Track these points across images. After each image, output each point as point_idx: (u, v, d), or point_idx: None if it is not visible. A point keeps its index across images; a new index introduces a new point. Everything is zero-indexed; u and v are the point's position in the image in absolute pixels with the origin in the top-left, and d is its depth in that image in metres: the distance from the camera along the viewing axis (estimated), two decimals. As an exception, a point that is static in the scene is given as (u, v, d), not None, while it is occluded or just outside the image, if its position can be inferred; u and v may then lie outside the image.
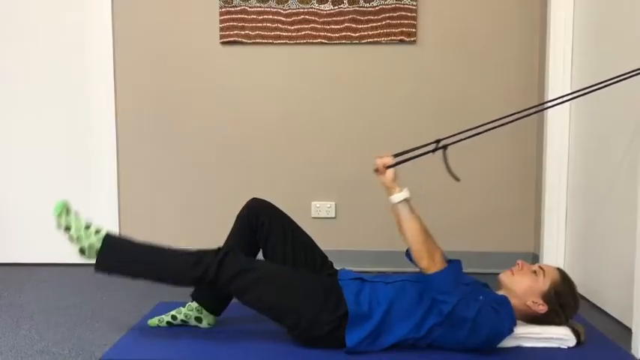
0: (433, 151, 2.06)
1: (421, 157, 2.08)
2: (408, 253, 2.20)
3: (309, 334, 2.00)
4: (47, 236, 3.29)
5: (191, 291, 2.31)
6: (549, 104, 2.43)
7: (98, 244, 2.05)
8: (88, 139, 3.25)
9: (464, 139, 2.10)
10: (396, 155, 2.11)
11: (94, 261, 2.06)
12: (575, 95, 2.25)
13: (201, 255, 2.06)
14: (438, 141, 2.10)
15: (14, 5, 3.20)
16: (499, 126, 2.15)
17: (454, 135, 2.11)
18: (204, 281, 2.04)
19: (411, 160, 2.10)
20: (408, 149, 2.12)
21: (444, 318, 1.92)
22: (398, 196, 1.98)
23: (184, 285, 2.09)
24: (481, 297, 1.98)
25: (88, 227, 2.07)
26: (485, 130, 2.14)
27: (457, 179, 2.04)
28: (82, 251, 2.06)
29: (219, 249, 2.09)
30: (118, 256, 2.06)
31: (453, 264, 1.97)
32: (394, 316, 1.98)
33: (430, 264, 1.92)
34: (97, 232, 2.08)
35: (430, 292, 1.95)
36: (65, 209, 2.08)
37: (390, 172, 2.00)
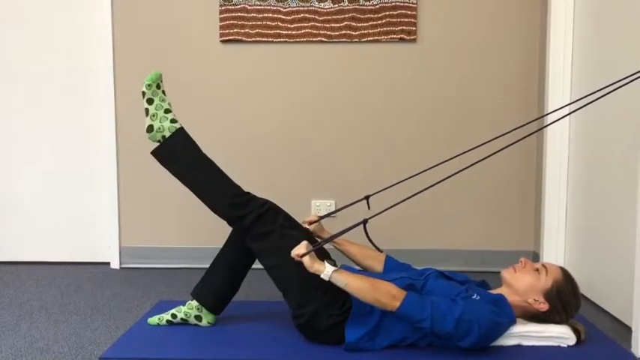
0: (352, 227, 2.01)
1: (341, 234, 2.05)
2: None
3: (312, 323, 2.00)
4: (47, 235, 3.31)
5: (191, 290, 2.31)
6: (549, 120, 2.42)
7: (167, 133, 2.05)
8: (88, 137, 3.26)
9: (387, 208, 2.07)
10: (313, 221, 2.23)
11: (156, 144, 2.06)
12: (576, 108, 2.24)
13: (247, 199, 2.07)
14: (367, 197, 2.23)
15: (14, 4, 3.20)
16: (504, 148, 2.14)
17: (382, 190, 2.22)
18: (238, 224, 2.05)
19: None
20: (328, 213, 2.32)
21: (430, 334, 1.93)
22: (326, 274, 1.92)
23: (218, 214, 2.08)
24: (476, 296, 1.98)
25: (168, 111, 2.06)
26: (491, 154, 2.12)
27: (380, 251, 2.18)
28: (150, 129, 2.05)
29: (266, 201, 2.09)
30: (178, 154, 2.06)
31: (405, 299, 1.91)
32: (392, 315, 1.98)
33: (393, 303, 1.90)
34: (174, 121, 2.07)
35: (409, 324, 1.95)
36: (157, 82, 2.07)
37: (306, 259, 1.93)
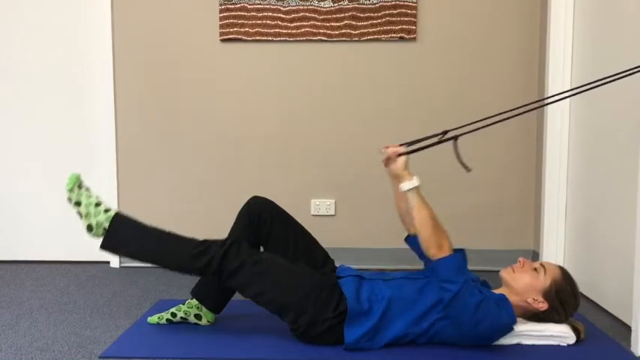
0: (443, 141, 2.07)
1: (424, 149, 2.08)
2: (409, 239, 2.21)
3: (309, 331, 2.00)
4: (47, 233, 3.31)
5: (190, 288, 2.31)
6: (554, 98, 2.42)
7: (106, 223, 2.04)
8: (87, 137, 3.25)
9: (472, 130, 2.11)
10: (402, 145, 2.12)
11: (100, 239, 2.05)
12: (580, 90, 2.25)
13: (207, 245, 2.05)
14: (444, 132, 2.11)
15: (14, 3, 3.20)
16: (508, 118, 2.15)
17: (462, 126, 2.12)
18: (207, 272, 2.03)
19: (416, 153, 2.09)
20: (416, 139, 2.13)
21: (446, 308, 1.92)
22: (409, 183, 1.99)
23: (188, 273, 2.07)
24: (484, 292, 1.99)
25: (98, 205, 2.05)
26: (493, 123, 2.14)
27: (468, 170, 2.05)
28: (89, 228, 2.05)
29: (225, 240, 2.07)
30: (124, 237, 2.04)
31: (459, 252, 1.98)
32: (393, 313, 1.99)
33: (437, 251, 1.94)
34: (107, 210, 2.06)
35: (435, 279, 1.95)
36: (77, 184, 2.06)
37: (402, 159, 2.02)
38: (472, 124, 2.14)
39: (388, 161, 2.08)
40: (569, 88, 2.82)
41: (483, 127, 2.13)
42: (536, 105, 2.28)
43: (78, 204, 2.05)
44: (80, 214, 2.05)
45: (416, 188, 2.00)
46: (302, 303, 1.99)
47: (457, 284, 1.90)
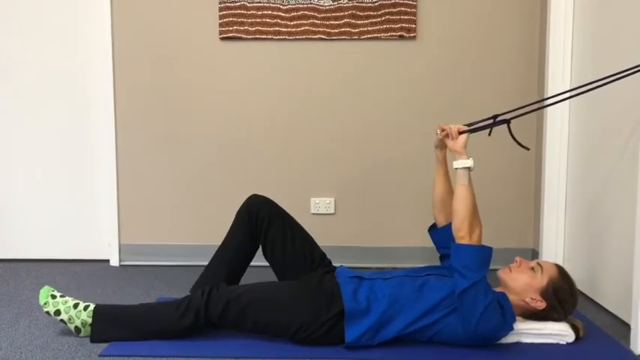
0: (498, 123, 2.16)
1: (481, 130, 2.16)
2: (432, 231, 2.27)
3: (310, 337, 2.01)
4: (47, 232, 3.31)
5: (190, 287, 2.32)
6: (553, 100, 2.43)
7: (89, 319, 2.07)
8: (87, 136, 3.25)
9: (523, 113, 2.20)
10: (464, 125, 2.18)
11: (89, 336, 2.07)
12: (580, 91, 2.25)
13: (188, 301, 2.05)
14: (495, 116, 2.20)
15: (14, 4, 3.19)
16: (556, 102, 2.17)
17: (514, 109, 2.22)
18: (198, 324, 2.04)
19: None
20: (472, 122, 2.20)
21: (460, 294, 1.92)
22: (466, 162, 2.04)
23: (182, 334, 2.06)
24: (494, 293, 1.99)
25: (76, 306, 2.09)
26: (550, 104, 2.26)
27: (527, 149, 2.19)
28: (77, 330, 2.09)
29: (203, 290, 2.06)
30: (111, 326, 2.06)
31: (487, 247, 1.99)
32: (394, 311, 1.99)
33: (467, 235, 1.96)
34: (86, 307, 2.09)
35: (454, 264, 1.95)
36: (50, 295, 2.10)
37: (463, 137, 2.07)
38: (526, 107, 2.27)
39: (443, 141, 2.15)
40: (568, 86, 2.83)
41: (534, 110, 2.26)
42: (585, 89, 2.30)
43: (58, 313, 2.08)
44: (64, 321, 2.08)
45: (469, 169, 2.04)
46: (296, 317, 2.00)
47: (478, 275, 1.91)
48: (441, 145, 2.24)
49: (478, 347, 1.99)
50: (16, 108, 3.25)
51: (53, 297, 2.10)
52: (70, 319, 2.07)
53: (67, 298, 2.11)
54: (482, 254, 1.96)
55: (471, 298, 1.91)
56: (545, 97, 2.89)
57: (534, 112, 3.01)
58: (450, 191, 2.26)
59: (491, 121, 2.18)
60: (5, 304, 2.53)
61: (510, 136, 2.15)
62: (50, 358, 1.95)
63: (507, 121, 2.13)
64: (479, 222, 2.01)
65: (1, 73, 3.24)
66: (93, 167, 3.26)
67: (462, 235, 1.97)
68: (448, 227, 2.19)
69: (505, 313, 1.96)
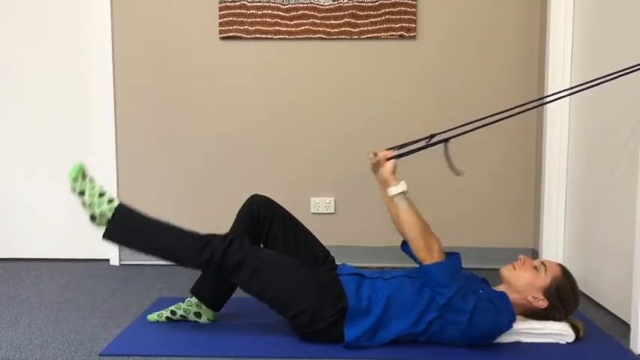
0: (434, 144, 2.05)
1: (414, 153, 2.08)
2: (404, 246, 2.21)
3: (310, 328, 2.00)
4: (47, 231, 3.31)
5: (190, 286, 2.32)
6: (549, 99, 2.43)
7: (109, 214, 2.03)
8: (87, 135, 3.25)
9: (461, 133, 2.09)
10: (390, 149, 2.11)
11: (103, 229, 2.04)
12: (575, 90, 2.25)
13: (208, 240, 2.04)
14: (432, 135, 2.11)
15: (14, 4, 3.19)
16: (498, 120, 2.16)
17: (451, 129, 2.11)
18: (208, 267, 2.03)
19: (409, 155, 2.10)
20: (404, 143, 2.13)
21: (440, 310, 1.92)
22: (396, 188, 1.99)
23: (189, 267, 2.07)
24: (480, 291, 1.99)
25: (102, 195, 2.05)
26: (483, 125, 2.15)
27: (459, 174, 2.04)
28: (92, 218, 2.04)
29: (226, 235, 2.07)
30: (127, 228, 2.04)
31: (452, 257, 1.98)
32: (393, 311, 1.99)
33: (427, 256, 1.94)
34: (111, 201, 2.05)
35: (427, 284, 1.95)
36: (81, 173, 2.05)
37: (389, 163, 2.01)
38: (466, 125, 2.14)
39: (377, 166, 2.07)
40: (569, 84, 2.82)
41: (474, 129, 2.13)
42: (530, 106, 2.28)
43: (82, 193, 2.04)
44: (84, 203, 2.04)
45: (403, 193, 1.99)
46: (303, 300, 1.99)
47: (451, 289, 1.90)
48: (375, 169, 2.17)
49: (478, 347, 1.99)
50: (16, 108, 3.25)
51: (84, 176, 2.06)
52: (91, 204, 2.03)
53: (96, 183, 2.07)
54: (449, 267, 1.94)
55: (452, 311, 1.91)
56: (545, 94, 2.89)
57: (535, 112, 3.01)
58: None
59: (425, 142, 2.09)
60: (5, 304, 2.53)
61: (445, 157, 2.04)
62: (50, 358, 1.95)
63: (446, 140, 2.04)
64: (434, 238, 1.97)
65: (2, 73, 3.24)
66: (93, 167, 3.23)
67: (422, 257, 1.95)
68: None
69: (502, 311, 1.96)
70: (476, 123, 2.13)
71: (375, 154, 2.10)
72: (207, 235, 2.07)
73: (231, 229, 2.34)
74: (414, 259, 2.21)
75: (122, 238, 2.04)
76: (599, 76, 2.18)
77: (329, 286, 2.03)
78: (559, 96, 2.33)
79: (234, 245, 2.02)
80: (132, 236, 2.04)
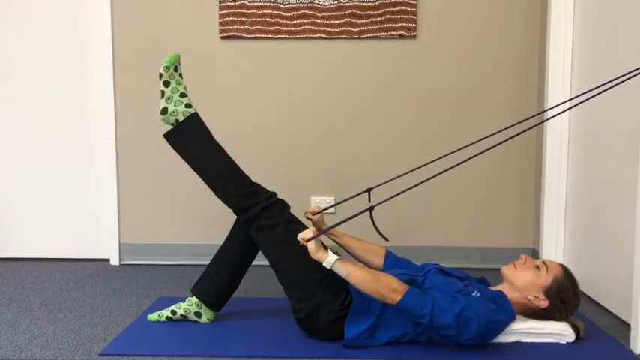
0: (360, 213, 2.02)
1: (342, 223, 2.03)
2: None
3: (311, 318, 2.00)
4: (47, 231, 3.31)
5: (190, 286, 2.32)
6: (549, 113, 2.43)
7: (181, 117, 2.04)
8: (87, 135, 3.25)
9: (389, 198, 2.05)
10: (316, 214, 2.16)
11: (168, 126, 2.04)
12: (576, 103, 2.25)
13: (255, 190, 2.06)
14: (369, 190, 2.19)
15: (14, 4, 3.19)
16: (489, 148, 2.15)
17: (384, 182, 2.20)
18: (244, 215, 2.04)
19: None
20: (331, 205, 2.25)
21: (428, 328, 1.94)
22: (327, 263, 1.93)
23: (226, 203, 2.07)
24: (476, 292, 1.99)
25: (183, 95, 2.05)
26: (464, 160, 2.14)
27: (386, 239, 2.10)
28: (164, 111, 2.04)
29: (273, 194, 2.09)
30: (190, 139, 2.04)
31: (407, 292, 1.91)
32: (391, 312, 1.98)
33: (394, 296, 1.90)
34: (188, 105, 2.05)
35: (408, 318, 1.95)
36: (175, 65, 2.05)
37: (310, 245, 1.94)
38: (396, 178, 2.20)
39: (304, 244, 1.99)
40: (569, 86, 2.82)
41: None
42: (530, 125, 2.27)
43: (167, 84, 2.03)
44: (163, 93, 2.03)
45: (337, 261, 1.94)
46: (314, 286, 1.99)
47: (425, 317, 1.89)
48: (317, 226, 2.17)
49: (478, 346, 1.99)
50: (16, 108, 3.25)
51: (176, 69, 2.06)
52: (169, 98, 2.04)
53: (183, 81, 2.08)
54: (412, 298, 1.90)
55: (437, 327, 1.91)
56: (545, 96, 2.89)
57: (534, 111, 3.01)
58: (362, 248, 2.30)
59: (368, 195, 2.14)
60: (5, 303, 2.53)
61: (372, 223, 2.06)
62: (50, 357, 1.95)
63: (371, 209, 2.04)
64: (384, 280, 1.91)
65: (2, 73, 3.23)
66: (93, 166, 3.26)
67: (390, 300, 1.91)
68: (389, 259, 2.27)
69: (499, 310, 1.96)
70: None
71: (308, 217, 2.15)
72: (257, 185, 2.09)
73: (231, 230, 2.34)
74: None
75: (182, 144, 2.03)
76: (599, 78, 2.17)
77: (339, 283, 2.03)
78: (560, 110, 2.33)
79: (276, 207, 2.04)
80: (190, 149, 2.03)
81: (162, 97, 2.04)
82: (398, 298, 1.89)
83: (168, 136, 2.07)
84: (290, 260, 2.02)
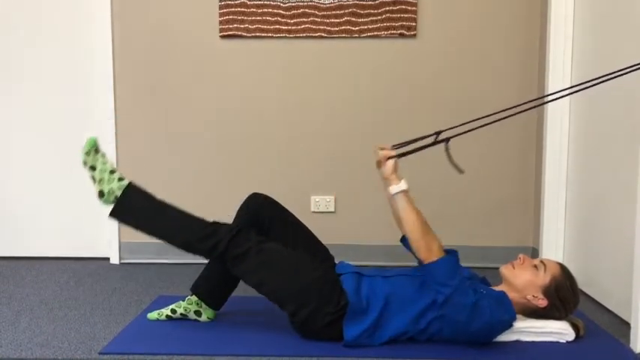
0: (434, 143, 2.06)
1: (417, 152, 2.08)
2: (403, 240, 2.21)
3: (309, 324, 2.00)
4: (47, 230, 3.31)
5: (190, 285, 2.32)
6: (552, 97, 2.42)
7: (118, 192, 2.03)
8: (87, 134, 3.23)
9: (466, 131, 2.09)
10: (395, 146, 2.12)
11: (110, 207, 2.04)
12: (577, 89, 2.24)
13: (215, 228, 2.04)
14: (438, 133, 2.11)
15: (14, 4, 3.19)
16: (501, 119, 2.16)
17: (455, 127, 2.11)
18: (213, 254, 2.03)
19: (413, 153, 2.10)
20: (409, 140, 2.13)
21: (441, 308, 1.92)
22: (396, 187, 1.99)
23: (194, 253, 2.06)
24: (483, 291, 1.99)
25: (112, 172, 2.05)
26: (487, 124, 2.15)
27: (461, 171, 2.04)
28: (101, 194, 2.04)
29: (233, 225, 2.07)
30: (134, 208, 2.04)
31: (450, 254, 1.98)
32: (392, 310, 1.99)
33: (428, 255, 1.95)
34: (121, 179, 2.05)
35: (428, 282, 1.96)
36: (94, 148, 2.06)
37: (390, 163, 2.01)
38: (466, 124, 2.14)
39: (379, 164, 2.08)
40: (569, 80, 2.82)
41: (479, 127, 2.13)
42: (533, 104, 2.27)
43: (93, 168, 2.04)
44: (94, 179, 2.04)
45: (403, 192, 1.99)
46: (304, 295, 1.99)
47: (450, 287, 1.90)
48: (379, 165, 2.16)
49: (478, 345, 1.99)
50: (16, 107, 3.25)
51: (97, 151, 2.06)
52: (101, 180, 2.03)
53: (107, 160, 2.07)
54: (448, 265, 1.95)
55: (451, 306, 1.92)
56: (545, 93, 2.89)
57: (535, 110, 3.01)
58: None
59: (432, 139, 2.09)
60: (6, 302, 2.53)
61: (447, 156, 2.04)
62: (50, 356, 1.95)
63: (446, 140, 2.04)
64: (433, 237, 1.97)
65: (2, 73, 3.23)
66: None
67: (422, 256, 1.96)
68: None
69: (502, 310, 1.96)
70: (480, 120, 2.13)
71: (382, 149, 2.10)
72: (215, 223, 2.07)
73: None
74: (412, 252, 2.22)
75: (128, 218, 2.03)
76: (599, 74, 2.17)
77: (331, 284, 2.03)
78: (564, 94, 2.33)
79: (240, 235, 2.03)
80: (138, 217, 2.03)
81: (94, 182, 2.04)
82: (434, 258, 1.92)
83: (113, 214, 2.05)
84: (272, 280, 2.02)
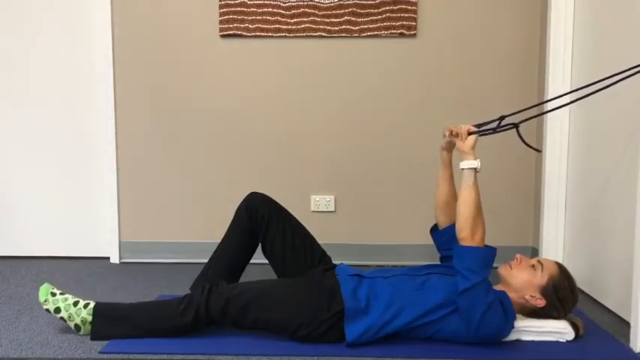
0: (503, 128, 2.17)
1: (489, 134, 2.16)
2: (434, 232, 2.28)
3: (310, 335, 2.00)
4: (47, 229, 3.31)
5: (190, 284, 2.32)
6: (549, 109, 2.42)
7: (90, 317, 2.06)
8: (87, 134, 3.25)
9: (534, 116, 2.20)
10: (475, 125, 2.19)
11: (89, 334, 2.07)
12: (575, 99, 2.25)
13: (187, 300, 2.05)
14: (502, 117, 2.21)
15: (14, 5, 3.19)
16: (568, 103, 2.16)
17: (521, 111, 2.24)
18: (199, 322, 2.04)
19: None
20: (479, 123, 2.20)
21: (460, 294, 1.92)
22: (472, 162, 2.04)
23: (182, 332, 2.06)
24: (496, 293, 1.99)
25: (76, 304, 2.08)
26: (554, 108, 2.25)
27: (538, 151, 2.26)
28: (77, 328, 2.08)
29: (204, 286, 2.06)
30: (111, 323, 2.06)
31: (489, 248, 1.99)
32: (394, 309, 1.98)
33: (468, 237, 1.97)
34: (86, 305, 2.08)
35: (456, 265, 1.97)
36: (50, 293, 2.09)
37: (472, 137, 2.08)
38: (529, 109, 2.27)
39: (450, 144, 2.19)
40: (569, 82, 2.82)
41: (542, 113, 2.24)
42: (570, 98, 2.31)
43: (58, 310, 2.07)
44: (64, 319, 2.08)
45: (474, 170, 2.03)
46: (296, 315, 1.99)
47: (479, 276, 1.91)
48: (448, 148, 2.24)
49: (478, 345, 1.99)
50: (16, 107, 3.25)
51: (53, 294, 2.09)
52: (69, 316, 2.07)
53: (67, 295, 2.11)
54: (485, 255, 1.96)
55: (470, 298, 1.91)
56: (545, 94, 2.89)
57: (534, 110, 3.01)
58: (453, 194, 2.24)
59: (498, 123, 2.20)
60: (6, 302, 2.53)
61: (520, 140, 2.14)
62: (51, 356, 1.95)
63: (516, 125, 2.13)
64: (482, 223, 2.00)
65: (2, 73, 3.23)
66: (93, 165, 3.26)
67: (464, 236, 1.98)
68: (449, 229, 2.19)
69: (506, 311, 1.96)
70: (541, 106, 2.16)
71: (451, 132, 2.16)
72: (185, 296, 2.08)
73: (230, 227, 2.35)
74: (440, 247, 2.23)
75: (109, 333, 2.06)
76: (599, 70, 2.17)
77: (320, 290, 2.03)
78: (572, 99, 2.33)
79: (213, 292, 2.03)
80: (118, 329, 2.05)
81: (66, 320, 2.07)
82: (473, 243, 1.95)
83: (96, 336, 2.06)
84: (262, 315, 2.01)
